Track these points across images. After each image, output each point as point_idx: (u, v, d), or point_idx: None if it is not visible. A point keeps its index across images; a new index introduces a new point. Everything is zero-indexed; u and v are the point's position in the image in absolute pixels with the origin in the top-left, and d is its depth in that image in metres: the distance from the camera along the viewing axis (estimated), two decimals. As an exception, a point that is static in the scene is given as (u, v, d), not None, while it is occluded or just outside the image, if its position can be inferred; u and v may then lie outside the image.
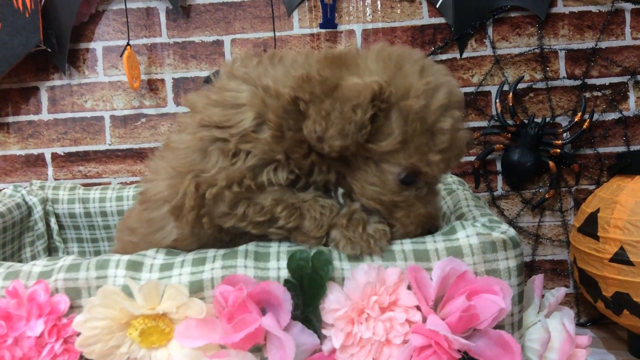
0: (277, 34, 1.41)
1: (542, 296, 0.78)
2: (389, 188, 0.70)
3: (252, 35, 1.42)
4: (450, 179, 1.12)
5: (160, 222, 0.77)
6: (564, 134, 1.36)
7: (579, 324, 1.40)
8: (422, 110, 0.66)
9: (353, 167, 0.71)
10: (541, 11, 1.36)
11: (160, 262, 0.70)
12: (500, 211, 1.41)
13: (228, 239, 0.75)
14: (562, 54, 1.38)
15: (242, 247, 0.70)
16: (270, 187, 0.69)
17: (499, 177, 1.41)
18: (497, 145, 1.36)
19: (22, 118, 1.46)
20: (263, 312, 0.66)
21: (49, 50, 1.39)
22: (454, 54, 1.39)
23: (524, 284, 0.71)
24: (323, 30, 1.40)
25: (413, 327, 0.65)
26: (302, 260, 0.66)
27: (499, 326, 0.67)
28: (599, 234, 1.14)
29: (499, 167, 1.41)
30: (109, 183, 1.45)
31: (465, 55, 1.39)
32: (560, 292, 0.76)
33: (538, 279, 0.77)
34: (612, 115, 1.38)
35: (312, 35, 1.41)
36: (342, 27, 1.40)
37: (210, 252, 0.70)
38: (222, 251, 0.70)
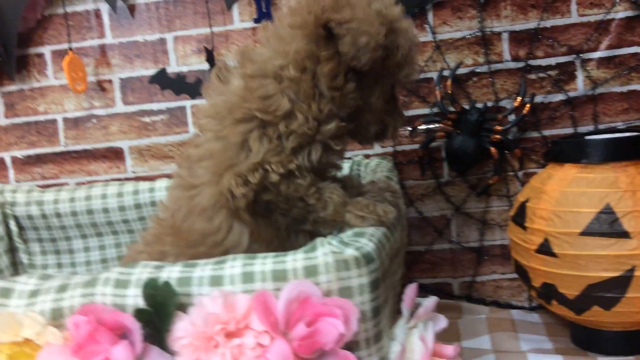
0: (218, 29, 1.41)
1: (417, 305, 0.79)
2: (385, 96, 0.87)
3: (194, 32, 1.42)
4: (381, 174, 1.12)
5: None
6: (508, 118, 1.34)
7: (530, 308, 1.40)
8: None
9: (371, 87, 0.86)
10: (481, -7, 1.32)
11: (30, 288, 0.73)
12: (447, 198, 1.40)
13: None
14: (505, 36, 1.34)
15: (104, 275, 0.72)
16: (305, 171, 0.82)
17: (445, 164, 1.40)
18: (439, 133, 1.35)
19: (-19, 123, 1.51)
20: (126, 337, 0.69)
21: (-2, 57, 1.43)
22: (394, 41, 1.37)
23: (382, 297, 0.72)
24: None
25: (263, 350, 0.67)
26: (152, 288, 0.68)
27: (354, 342, 0.69)
28: (526, 224, 1.12)
29: (444, 154, 1.39)
30: (67, 184, 1.50)
31: (405, 42, 1.37)
32: (430, 302, 0.77)
33: (410, 290, 0.77)
34: (560, 97, 1.35)
35: (253, 29, 1.41)
36: (281, 20, 1.39)
37: (75, 279, 0.73)
38: (85, 278, 0.73)
